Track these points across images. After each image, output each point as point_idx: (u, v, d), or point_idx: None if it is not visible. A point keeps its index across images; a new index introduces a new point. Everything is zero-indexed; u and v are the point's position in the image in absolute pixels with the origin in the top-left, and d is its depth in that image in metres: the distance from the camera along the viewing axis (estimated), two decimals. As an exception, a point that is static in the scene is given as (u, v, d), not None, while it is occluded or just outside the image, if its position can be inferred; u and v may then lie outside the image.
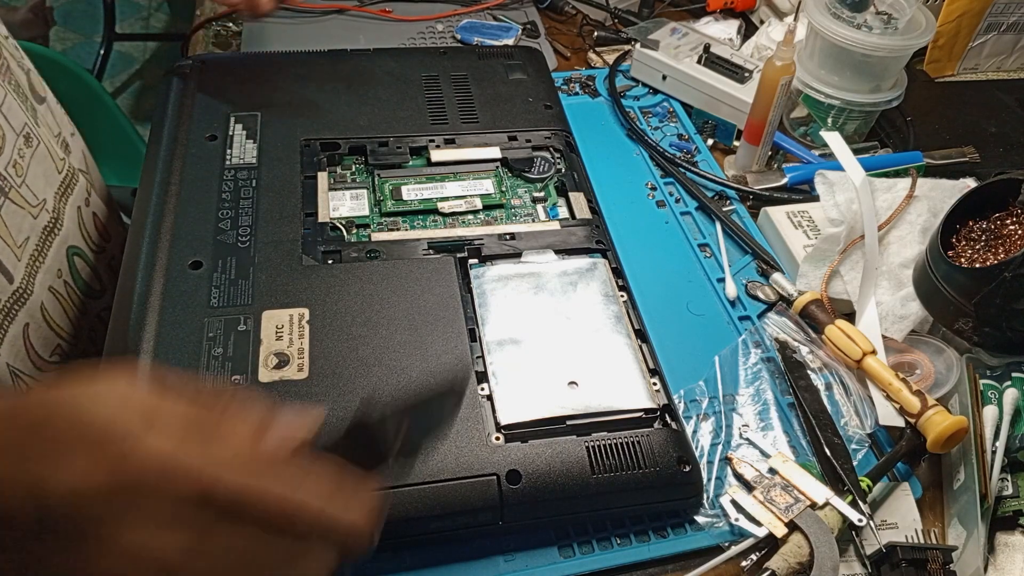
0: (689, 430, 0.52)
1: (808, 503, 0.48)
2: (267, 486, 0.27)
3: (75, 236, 0.62)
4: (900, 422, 0.53)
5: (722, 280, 0.63)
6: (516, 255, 0.57)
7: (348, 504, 0.28)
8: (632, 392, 0.49)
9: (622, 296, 0.56)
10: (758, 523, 0.47)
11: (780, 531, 0.47)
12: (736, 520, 0.48)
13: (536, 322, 0.53)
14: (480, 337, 0.51)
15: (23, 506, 0.25)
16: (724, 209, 0.69)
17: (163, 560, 0.26)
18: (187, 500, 0.26)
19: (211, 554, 0.26)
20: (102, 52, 1.94)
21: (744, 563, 0.47)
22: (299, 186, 0.59)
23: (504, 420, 0.47)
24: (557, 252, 0.57)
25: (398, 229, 0.59)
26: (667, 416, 0.49)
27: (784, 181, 0.69)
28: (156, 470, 0.26)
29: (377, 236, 0.57)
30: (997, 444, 0.51)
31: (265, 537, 0.27)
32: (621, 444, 0.47)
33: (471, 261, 0.56)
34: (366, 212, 0.59)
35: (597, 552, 0.47)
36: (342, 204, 0.60)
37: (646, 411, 0.49)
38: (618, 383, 0.50)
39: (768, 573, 0.45)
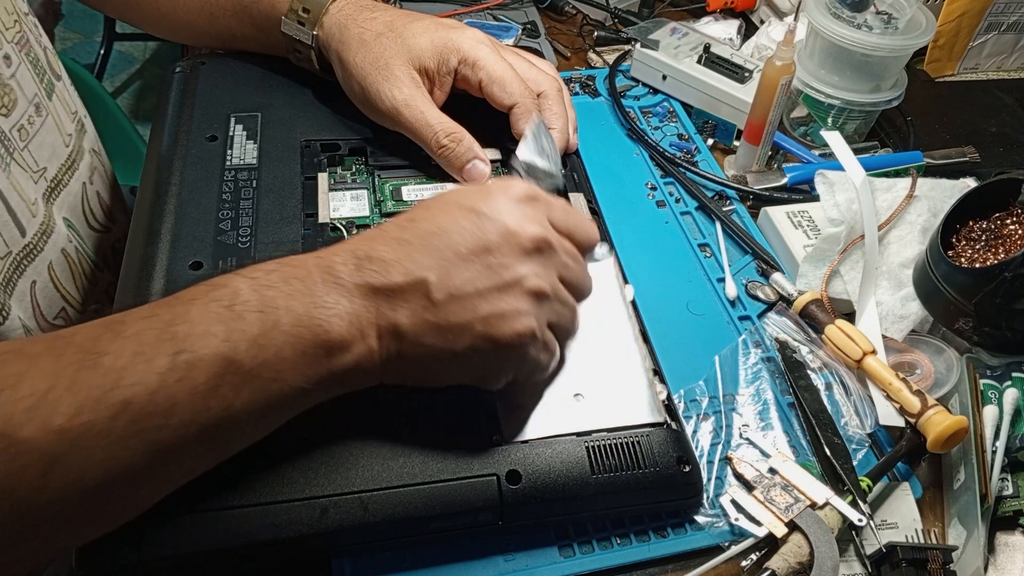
0: (689, 430, 0.52)
1: (808, 503, 0.48)
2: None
3: (75, 209, 0.62)
4: (900, 422, 0.53)
5: (722, 280, 0.63)
6: None
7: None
8: (638, 406, 0.49)
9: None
10: (758, 523, 0.47)
11: (780, 531, 0.47)
12: (736, 520, 0.48)
13: None
14: None
15: None
16: (724, 209, 0.69)
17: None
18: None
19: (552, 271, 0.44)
20: (102, 52, 1.95)
21: (744, 563, 0.47)
22: (299, 187, 0.59)
23: (509, 437, 0.47)
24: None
25: (398, 229, 0.59)
26: (667, 416, 0.49)
27: (784, 181, 0.69)
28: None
29: (377, 236, 0.57)
30: (997, 444, 0.51)
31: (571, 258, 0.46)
32: (621, 444, 0.47)
33: None
34: (366, 213, 0.59)
35: (597, 552, 0.47)
36: (342, 205, 0.60)
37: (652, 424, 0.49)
38: (624, 395, 0.50)
39: (768, 573, 0.45)
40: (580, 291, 0.48)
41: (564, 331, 0.47)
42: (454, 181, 0.62)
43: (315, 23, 0.62)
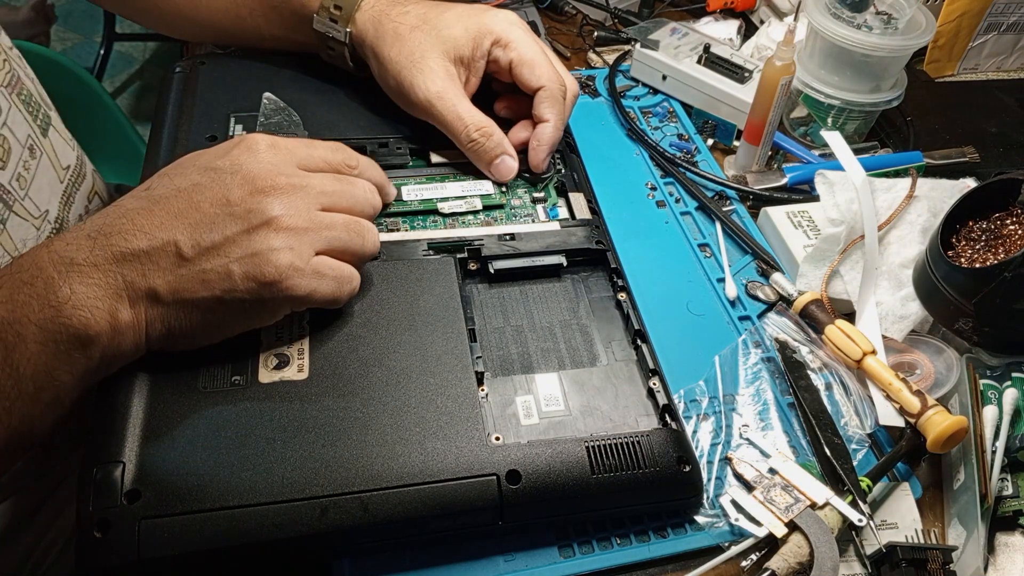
0: (689, 430, 0.52)
1: (808, 503, 0.48)
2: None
3: None
4: (900, 422, 0.53)
5: (722, 280, 0.63)
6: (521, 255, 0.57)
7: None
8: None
9: (622, 296, 0.56)
10: (758, 523, 0.47)
11: (780, 531, 0.47)
12: (736, 520, 0.48)
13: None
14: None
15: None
16: (724, 209, 0.69)
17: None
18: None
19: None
20: (102, 52, 1.95)
21: (744, 563, 0.47)
22: (299, 186, 0.59)
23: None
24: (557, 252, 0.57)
25: (398, 229, 0.59)
26: (667, 416, 0.49)
27: (784, 181, 0.70)
28: None
29: (377, 236, 0.57)
30: (997, 444, 0.51)
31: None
32: (621, 444, 0.47)
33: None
34: (366, 212, 0.59)
35: (597, 552, 0.47)
36: (342, 204, 0.59)
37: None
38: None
39: (768, 573, 0.45)
40: (356, 213, 0.50)
41: (351, 252, 0.48)
42: (456, 181, 0.62)
43: (348, 20, 0.62)
